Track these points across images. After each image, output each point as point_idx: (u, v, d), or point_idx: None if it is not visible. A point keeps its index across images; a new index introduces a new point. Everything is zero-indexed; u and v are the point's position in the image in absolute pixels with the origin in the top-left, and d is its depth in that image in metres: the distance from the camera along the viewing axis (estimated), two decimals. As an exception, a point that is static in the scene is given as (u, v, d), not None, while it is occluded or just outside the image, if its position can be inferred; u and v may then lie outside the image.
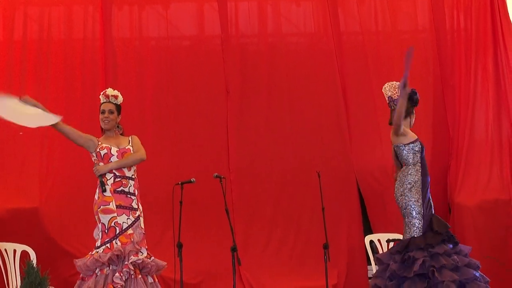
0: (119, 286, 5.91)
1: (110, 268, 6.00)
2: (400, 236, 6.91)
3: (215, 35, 9.11)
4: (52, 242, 8.13)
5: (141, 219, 6.26)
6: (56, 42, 8.81)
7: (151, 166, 8.18)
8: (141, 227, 6.23)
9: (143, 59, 8.92)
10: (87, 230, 7.68)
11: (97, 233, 6.21)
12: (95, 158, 6.28)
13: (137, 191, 6.30)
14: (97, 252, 6.05)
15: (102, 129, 6.45)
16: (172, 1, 9.15)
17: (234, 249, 6.23)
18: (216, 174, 6.67)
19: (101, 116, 6.38)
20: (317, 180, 7.37)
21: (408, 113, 6.27)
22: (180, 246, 6.54)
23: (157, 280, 6.32)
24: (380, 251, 7.90)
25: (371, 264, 8.11)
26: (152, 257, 6.24)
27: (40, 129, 8.45)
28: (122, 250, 6.00)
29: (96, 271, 6.02)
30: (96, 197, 6.24)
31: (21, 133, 8.14)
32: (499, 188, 8.59)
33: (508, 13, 9.12)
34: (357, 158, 8.88)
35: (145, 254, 6.18)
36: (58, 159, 8.49)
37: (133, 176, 6.31)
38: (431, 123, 9.06)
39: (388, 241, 7.86)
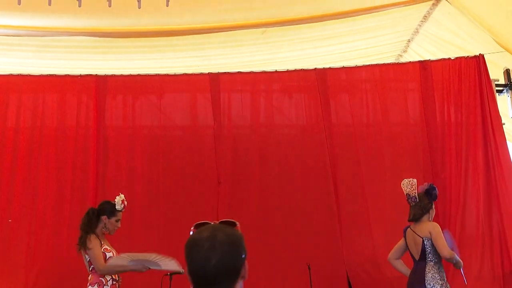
0: None
1: None
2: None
3: (207, 125, 9.15)
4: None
5: None
6: (48, 129, 8.89)
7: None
8: None
9: (135, 147, 8.94)
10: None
11: None
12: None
13: None
14: None
15: (104, 231, 6.34)
16: (165, 91, 9.25)
17: None
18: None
19: (118, 224, 6.36)
20: (307, 272, 7.31)
21: (427, 209, 6.64)
22: (168, 338, 6.45)
23: None
24: None
25: None
26: None
27: (28, 215, 8.48)
28: None
29: None
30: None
31: (9, 220, 8.12)
32: (490, 282, 8.47)
33: (497, 108, 9.19)
34: (347, 250, 8.77)
35: None
36: (45, 245, 8.43)
37: None
38: (422, 216, 9.00)
39: (378, 335, 7.75)
